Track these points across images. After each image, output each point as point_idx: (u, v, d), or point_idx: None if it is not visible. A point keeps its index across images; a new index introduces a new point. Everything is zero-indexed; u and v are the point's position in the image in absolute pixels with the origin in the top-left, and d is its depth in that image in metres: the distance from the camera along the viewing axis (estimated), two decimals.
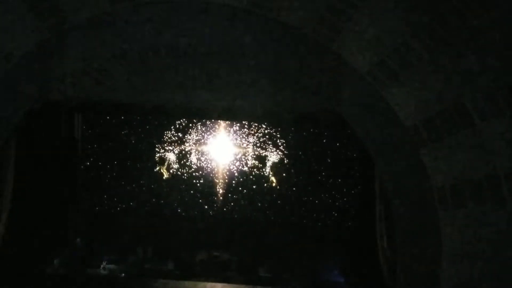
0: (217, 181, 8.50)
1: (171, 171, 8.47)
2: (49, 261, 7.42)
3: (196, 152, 8.47)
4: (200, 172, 8.49)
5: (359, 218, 8.01)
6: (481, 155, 4.12)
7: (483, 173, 4.09)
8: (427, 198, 4.39)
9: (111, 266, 7.61)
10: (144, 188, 8.54)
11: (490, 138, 4.06)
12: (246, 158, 8.42)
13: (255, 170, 8.42)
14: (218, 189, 8.50)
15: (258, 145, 8.38)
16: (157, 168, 8.47)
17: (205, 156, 8.49)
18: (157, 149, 8.47)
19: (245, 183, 8.46)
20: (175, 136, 8.46)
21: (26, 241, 6.86)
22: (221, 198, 8.52)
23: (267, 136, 8.39)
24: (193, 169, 8.49)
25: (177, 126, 8.45)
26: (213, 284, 7.14)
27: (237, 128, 8.39)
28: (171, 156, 8.45)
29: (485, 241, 4.12)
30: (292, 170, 8.42)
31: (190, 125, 8.45)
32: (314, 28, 4.44)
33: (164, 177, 8.47)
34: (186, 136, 8.46)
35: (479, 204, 4.13)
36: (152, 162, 8.47)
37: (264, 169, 8.39)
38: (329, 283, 7.63)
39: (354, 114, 5.18)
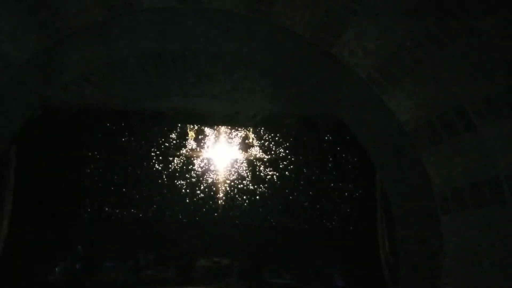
0: (218, 187, 8.49)
1: (172, 177, 8.46)
2: (51, 269, 7.40)
3: (197, 158, 8.46)
4: (201, 178, 8.48)
5: (360, 223, 8.00)
6: (481, 158, 4.11)
7: (484, 176, 4.09)
8: (428, 202, 4.38)
9: (113, 273, 7.59)
10: (145, 195, 8.52)
11: (491, 140, 4.06)
12: (246, 163, 8.41)
13: (255, 175, 8.40)
14: (219, 195, 8.49)
15: (258, 150, 8.38)
16: (158, 175, 8.46)
17: (206, 162, 8.49)
18: (157, 155, 8.46)
19: (246, 188, 8.45)
20: (176, 142, 8.46)
21: (27, 249, 6.86)
22: (222, 204, 8.50)
23: (267, 141, 8.38)
24: (193, 175, 8.48)
25: (178, 132, 8.45)
26: None
27: (238, 133, 8.39)
28: (172, 162, 8.45)
29: (487, 245, 4.11)
30: (293, 175, 8.41)
31: (191, 131, 8.45)
32: (313, 33, 4.44)
33: (165, 183, 8.46)
34: (186, 142, 8.46)
35: (480, 207, 4.12)
36: (153, 168, 8.47)
37: (264, 175, 8.38)
38: None
39: (354, 118, 5.18)
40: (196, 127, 8.42)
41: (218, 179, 8.50)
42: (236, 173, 8.45)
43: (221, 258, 8.01)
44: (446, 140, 4.21)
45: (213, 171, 8.51)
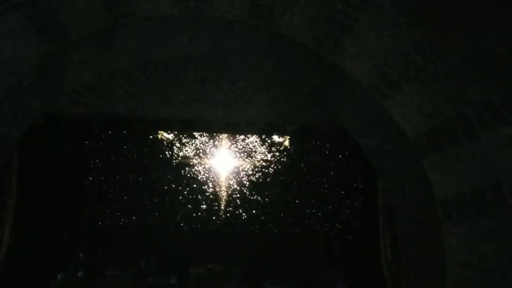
0: (220, 194, 8.49)
1: (173, 184, 8.45)
2: (52, 276, 7.39)
3: (198, 165, 8.46)
4: (203, 185, 8.48)
5: (362, 230, 7.98)
6: (484, 165, 4.10)
7: (486, 183, 4.07)
8: (430, 209, 4.37)
9: (114, 280, 7.58)
10: (146, 202, 8.52)
11: (493, 147, 4.05)
12: (248, 170, 8.41)
13: (257, 182, 8.40)
14: (221, 202, 8.48)
15: (260, 157, 8.38)
16: (159, 182, 8.46)
17: (207, 169, 8.49)
18: (159, 162, 8.47)
19: (248, 196, 8.45)
20: (177, 149, 8.46)
21: (29, 256, 6.84)
22: (224, 211, 8.49)
23: (269, 149, 8.39)
24: (195, 182, 8.48)
25: (179, 139, 8.46)
26: None
27: (239, 140, 8.40)
28: (174, 170, 8.45)
29: (490, 252, 4.09)
30: (295, 183, 8.40)
31: (192, 138, 8.46)
32: (315, 41, 4.46)
33: (166, 191, 8.45)
34: (188, 150, 8.46)
35: (482, 215, 4.10)
36: (154, 175, 8.47)
37: (266, 182, 8.37)
38: None
39: (356, 125, 5.19)
40: (198, 135, 8.44)
41: (220, 186, 8.49)
42: (238, 180, 8.45)
43: (222, 265, 8.00)
44: (448, 147, 4.20)
45: (214, 178, 8.51)
